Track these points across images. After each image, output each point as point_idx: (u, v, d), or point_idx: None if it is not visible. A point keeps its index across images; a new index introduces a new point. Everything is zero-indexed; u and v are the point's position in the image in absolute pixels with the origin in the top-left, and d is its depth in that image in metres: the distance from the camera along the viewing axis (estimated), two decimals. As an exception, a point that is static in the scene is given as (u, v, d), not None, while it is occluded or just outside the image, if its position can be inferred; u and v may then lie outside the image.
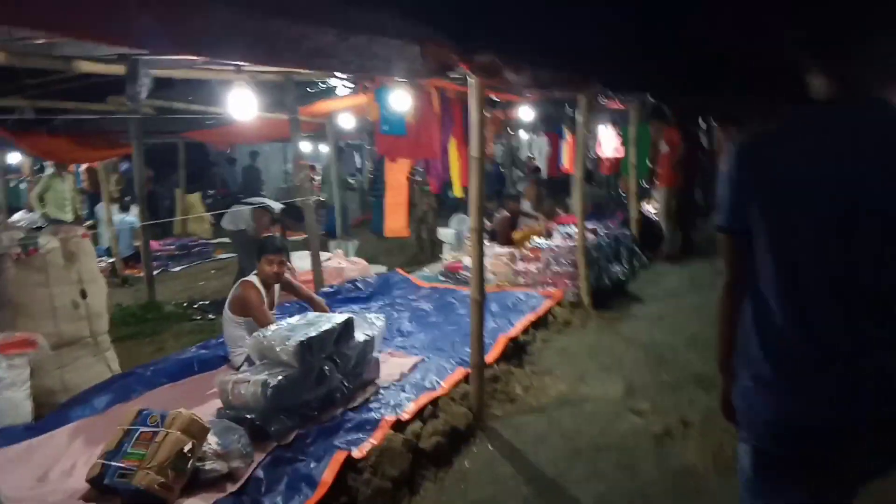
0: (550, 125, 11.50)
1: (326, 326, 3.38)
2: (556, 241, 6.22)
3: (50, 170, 8.91)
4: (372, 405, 3.47)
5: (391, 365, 4.10)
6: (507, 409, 3.90)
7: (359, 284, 6.08)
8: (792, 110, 1.48)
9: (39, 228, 10.54)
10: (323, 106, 7.54)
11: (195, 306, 6.71)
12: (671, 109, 8.33)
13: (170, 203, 13.64)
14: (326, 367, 3.34)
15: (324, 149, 16.95)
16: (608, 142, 11.39)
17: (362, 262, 6.96)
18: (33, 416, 3.54)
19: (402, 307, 5.64)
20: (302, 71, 5.05)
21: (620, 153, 11.12)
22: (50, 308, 3.80)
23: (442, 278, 6.55)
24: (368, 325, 3.82)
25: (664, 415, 3.76)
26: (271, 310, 4.14)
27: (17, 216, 11.91)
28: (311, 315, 3.60)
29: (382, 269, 7.39)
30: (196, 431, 2.64)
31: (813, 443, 1.43)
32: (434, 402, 3.60)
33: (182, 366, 4.04)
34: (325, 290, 5.77)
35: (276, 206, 6.96)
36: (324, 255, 7.48)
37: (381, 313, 4.99)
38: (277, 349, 3.18)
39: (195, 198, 12.71)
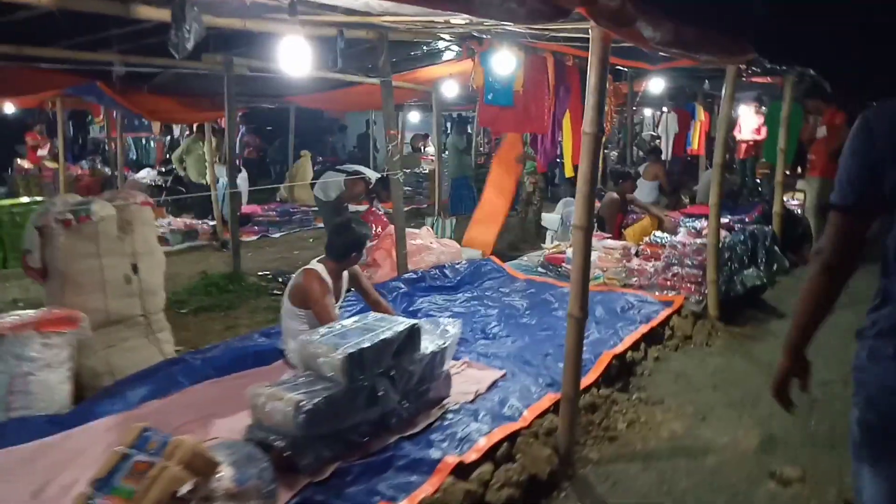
0: (681, 101, 10.16)
1: (386, 335, 2.72)
2: (681, 237, 5.20)
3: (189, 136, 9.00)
4: (434, 435, 2.79)
5: (466, 379, 3.40)
6: (604, 452, 3.09)
7: (446, 271, 5.40)
8: None
9: (160, 187, 10.89)
10: (426, 72, 6.86)
11: (280, 280, 6.34)
12: (836, 87, 6.88)
13: (281, 168, 13.67)
14: (381, 386, 2.69)
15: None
16: (747, 122, 9.93)
17: (454, 244, 6.27)
18: (73, 399, 3.19)
19: (492, 302, 4.91)
20: (395, 24, 4.36)
21: (761, 135, 9.68)
22: (100, 281, 3.43)
23: (541, 270, 5.74)
24: (440, 332, 3.13)
25: (818, 486, 2.80)
26: (337, 302, 3.57)
27: (142, 173, 12.38)
28: (372, 318, 2.96)
29: (476, 253, 6.67)
30: (201, 466, 2.08)
31: None
32: (512, 438, 2.87)
33: (235, 356, 3.56)
34: (408, 275, 5.15)
35: (373, 175, 6.42)
36: (413, 234, 6.92)
37: (459, 316, 4.33)
38: (320, 360, 2.57)
39: (307, 163, 12.56)
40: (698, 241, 5.01)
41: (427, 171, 12.79)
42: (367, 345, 2.61)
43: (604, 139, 6.95)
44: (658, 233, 5.48)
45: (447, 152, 10.77)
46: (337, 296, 3.54)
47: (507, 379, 3.46)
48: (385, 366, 2.72)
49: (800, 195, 9.52)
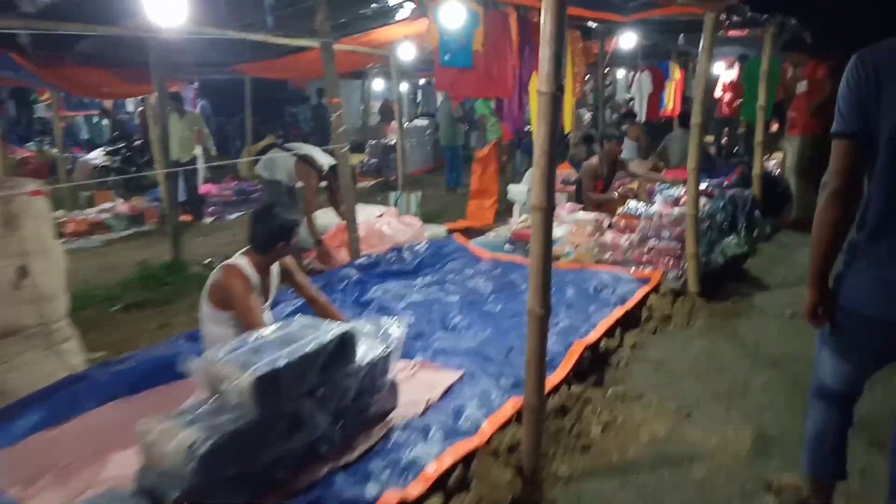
0: (654, 59, 9.65)
1: (309, 348, 2.23)
2: (658, 206, 4.75)
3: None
4: (374, 462, 2.34)
5: (418, 384, 2.95)
6: (576, 465, 2.66)
7: (404, 254, 4.90)
8: None
9: (108, 168, 10.15)
10: (379, 33, 6.25)
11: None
12: (818, 37, 6.44)
13: (241, 144, 12.93)
14: (306, 409, 2.22)
15: (403, 85, 15.78)
16: (724, 79, 9.46)
17: (416, 222, 5.77)
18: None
19: (453, 287, 4.44)
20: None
21: (737, 93, 9.22)
22: (-20, 288, 2.88)
23: (508, 247, 5.27)
24: (381, 335, 2.65)
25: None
26: (267, 301, 3.06)
27: (94, 154, 11.59)
28: (298, 324, 2.46)
29: (440, 230, 6.18)
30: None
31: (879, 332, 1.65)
32: (468, 459, 2.42)
33: (152, 368, 3.05)
34: (361, 261, 4.64)
35: (326, 160, 5.81)
36: (375, 212, 6.39)
37: (416, 305, 3.85)
38: (225, 385, 2.08)
39: (268, 139, 11.81)
40: (676, 210, 4.57)
41: (393, 143, 12.19)
42: (283, 363, 2.12)
43: (574, 102, 6.44)
44: (633, 202, 5.02)
45: (440, 121, 10.24)
46: (266, 293, 3.03)
47: (466, 381, 3.01)
48: (310, 385, 2.24)
49: (777, 155, 9.14)
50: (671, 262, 4.49)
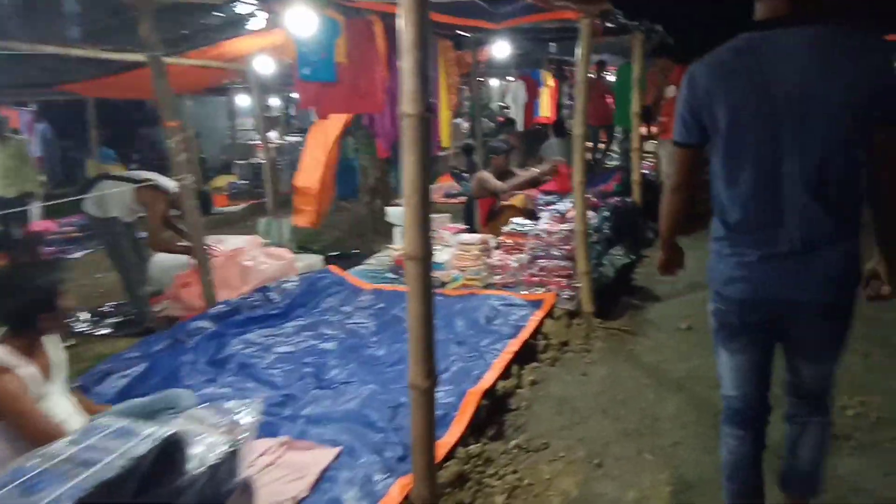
0: (525, 68, 9.58)
1: (116, 468, 1.61)
2: (545, 223, 4.46)
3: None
4: None
5: (283, 472, 2.38)
6: (481, 552, 2.21)
7: (272, 294, 4.28)
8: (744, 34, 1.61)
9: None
10: (230, 46, 5.56)
11: (73, 319, 4.86)
12: (681, 44, 6.51)
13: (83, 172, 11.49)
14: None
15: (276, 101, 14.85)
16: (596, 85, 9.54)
17: (286, 253, 5.13)
18: None
19: (330, 330, 3.89)
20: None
21: (603, 100, 9.33)
22: None
23: (390, 276, 4.79)
24: (227, 426, 2.06)
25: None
26: (52, 381, 2.32)
27: None
28: (102, 431, 1.81)
29: (315, 260, 5.58)
30: None
31: (743, 313, 1.77)
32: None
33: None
34: (218, 308, 3.96)
35: (170, 183, 5.03)
36: (240, 243, 5.67)
37: (287, 357, 3.28)
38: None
39: (113, 165, 10.49)
40: (563, 227, 4.29)
41: (265, 162, 11.33)
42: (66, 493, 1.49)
43: (450, 115, 6.08)
44: (518, 219, 4.71)
45: None
46: (47, 373, 2.29)
47: (343, 460, 2.48)
48: (119, 518, 1.62)
49: (650, 158, 9.36)
50: (564, 282, 4.20)
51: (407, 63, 1.68)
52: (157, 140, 12.27)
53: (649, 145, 9.29)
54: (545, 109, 9.84)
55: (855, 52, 1.53)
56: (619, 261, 5.08)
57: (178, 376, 3.27)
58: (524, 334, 3.64)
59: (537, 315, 3.91)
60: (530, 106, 9.36)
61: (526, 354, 3.58)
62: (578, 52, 3.83)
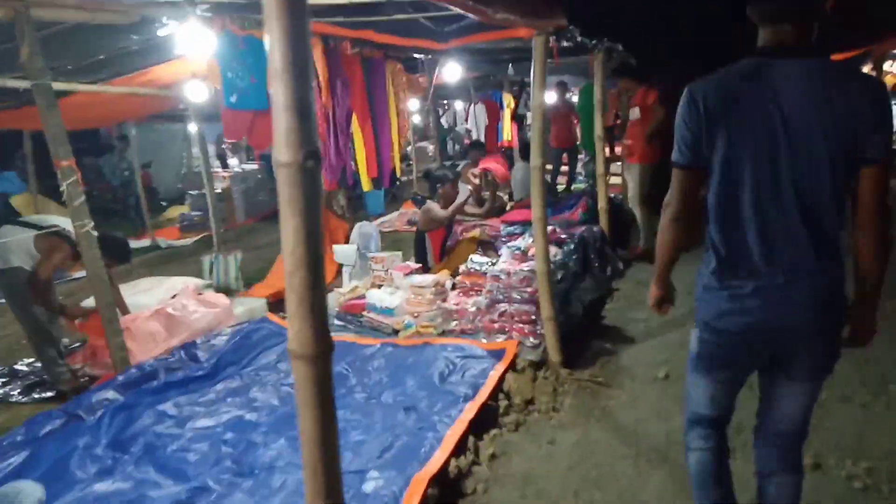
0: (487, 90, 9.20)
1: None
2: (504, 262, 3.99)
3: None
4: None
5: None
6: None
7: (197, 351, 3.72)
8: (749, 59, 1.60)
9: None
10: (155, 73, 5.04)
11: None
12: (643, 64, 6.18)
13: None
14: None
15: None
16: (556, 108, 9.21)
17: (220, 300, 4.56)
18: None
19: (261, 395, 3.34)
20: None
21: (565, 122, 9.00)
22: None
23: (338, 323, 4.26)
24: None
25: None
26: None
27: None
28: None
29: (260, 303, 5.02)
30: None
31: (735, 345, 1.75)
32: None
33: None
34: (130, 373, 3.38)
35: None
36: (177, 286, 5.11)
37: (207, 434, 2.72)
38: None
39: (44, 199, 9.52)
40: (525, 267, 3.83)
41: (221, 191, 10.73)
42: None
43: (401, 143, 5.62)
44: (476, 257, 4.23)
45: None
46: None
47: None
48: None
49: (615, 180, 9.01)
50: (527, 329, 3.73)
51: (279, 93, 1.20)
52: (103, 169, 11.56)
53: (616, 168, 8.99)
54: (507, 132, 9.47)
55: (858, 87, 1.54)
56: (588, 296, 4.64)
57: (66, 467, 2.69)
58: (483, 394, 3.15)
59: (499, 368, 3.43)
60: (492, 129, 8.96)
61: (486, 418, 3.09)
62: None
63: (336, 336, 3.97)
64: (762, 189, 1.60)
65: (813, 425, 1.89)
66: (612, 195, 7.55)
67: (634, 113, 5.90)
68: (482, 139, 8.81)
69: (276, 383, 3.49)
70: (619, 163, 9.34)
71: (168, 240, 9.57)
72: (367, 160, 5.31)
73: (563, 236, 4.86)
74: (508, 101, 9.41)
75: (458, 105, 14.87)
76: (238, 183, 10.93)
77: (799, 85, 1.55)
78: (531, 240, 4.01)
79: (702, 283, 1.77)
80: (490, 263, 4.13)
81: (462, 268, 4.20)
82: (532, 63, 3.39)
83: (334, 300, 4.33)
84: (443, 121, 17.54)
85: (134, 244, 9.38)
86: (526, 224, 5.45)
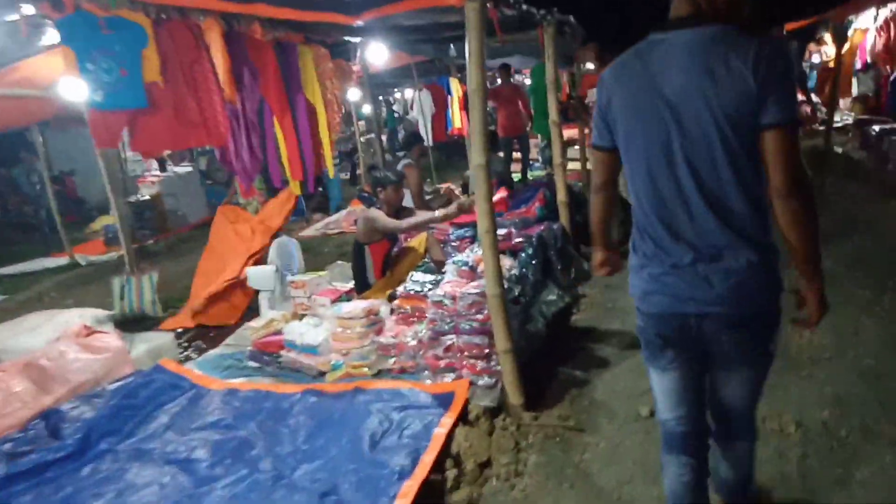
0: (432, 76, 8.40)
1: None
2: (449, 282, 3.23)
3: None
4: None
5: None
6: None
7: (63, 421, 2.88)
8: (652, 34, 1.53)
9: None
10: (22, 70, 4.10)
11: None
12: (595, 39, 5.48)
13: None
14: None
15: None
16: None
17: (112, 341, 3.69)
18: None
19: (146, 471, 2.54)
20: None
21: (512, 107, 8.26)
22: None
23: (252, 365, 3.46)
24: None
25: None
26: None
27: None
28: None
29: (164, 340, 4.16)
30: None
31: (661, 326, 1.67)
32: None
33: None
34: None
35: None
36: (71, 321, 4.22)
37: None
38: None
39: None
40: (474, 288, 3.08)
41: (149, 197, 9.67)
42: None
43: (332, 139, 4.79)
44: (417, 275, 3.47)
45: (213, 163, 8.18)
46: None
47: None
48: None
49: (573, 165, 8.34)
50: (479, 364, 3.00)
51: None
52: (19, 181, 10.35)
53: (574, 152, 8.30)
54: (457, 120, 8.71)
55: (742, 52, 1.41)
56: (552, 306, 3.95)
57: None
58: (424, 467, 2.41)
59: (445, 422, 2.70)
60: (440, 117, 8.17)
61: (429, 493, 2.35)
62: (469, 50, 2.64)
63: (248, 383, 3.20)
64: (656, 168, 1.55)
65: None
66: (572, 183, 6.94)
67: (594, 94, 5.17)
68: (429, 128, 8.01)
69: (165, 458, 2.69)
70: (576, 147, 8.71)
71: (90, 255, 8.55)
72: (290, 160, 4.50)
73: (519, 240, 4.14)
74: (456, 86, 8.64)
75: (408, 93, 14.01)
76: (170, 188, 9.90)
77: (681, 59, 1.47)
78: (477, 251, 3.27)
79: (629, 263, 1.73)
80: (433, 281, 3.37)
81: (400, 289, 3.44)
82: (467, 35, 2.64)
83: (247, 336, 3.51)
84: (395, 108, 16.63)
85: (48, 263, 8.42)
86: (476, 226, 4.72)
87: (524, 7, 3.37)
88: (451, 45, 5.40)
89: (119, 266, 8.17)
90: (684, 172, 1.50)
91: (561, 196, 5.01)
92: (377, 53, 4.63)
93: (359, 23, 3.27)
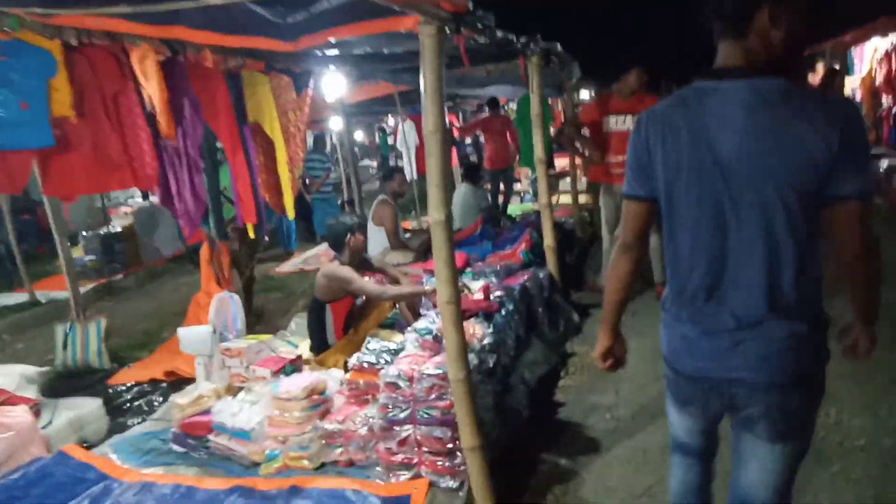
0: (416, 105, 7.92)
1: None
2: (406, 359, 2.67)
3: None
4: None
5: None
6: None
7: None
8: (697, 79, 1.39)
9: None
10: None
11: None
12: (588, 68, 5.01)
13: None
14: None
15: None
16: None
17: (21, 415, 3.10)
18: None
19: None
20: None
21: (499, 143, 7.82)
22: None
23: (176, 450, 2.88)
24: None
25: None
26: None
27: None
28: None
29: (91, 407, 3.57)
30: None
31: (690, 387, 1.54)
32: None
33: None
34: None
35: None
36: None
37: None
38: None
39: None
40: (435, 367, 2.51)
41: (121, 230, 9.11)
42: None
43: (293, 176, 4.29)
44: (374, 343, 2.92)
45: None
46: None
47: None
48: None
49: (564, 198, 7.84)
50: (441, 462, 2.43)
51: None
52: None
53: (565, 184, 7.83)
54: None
55: (812, 115, 1.26)
56: (535, 372, 3.42)
57: None
58: None
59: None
60: (424, 149, 7.67)
61: None
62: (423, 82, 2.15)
63: (168, 475, 2.63)
64: (703, 230, 1.40)
65: None
66: (563, 220, 6.42)
67: (622, 122, 4.63)
68: (413, 160, 7.51)
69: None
70: (565, 178, 8.22)
71: (53, 292, 7.95)
72: (243, 202, 3.99)
73: (498, 294, 3.59)
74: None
75: (392, 122, 13.58)
76: (144, 218, 9.34)
77: (737, 115, 1.31)
78: (435, 318, 2.72)
79: (663, 316, 1.58)
80: (395, 350, 2.82)
81: (353, 360, 2.88)
82: (421, 67, 2.15)
83: (172, 413, 2.94)
84: (389, 139, 16.23)
85: (6, 300, 7.81)
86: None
87: (499, 34, 2.87)
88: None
89: (85, 302, 7.65)
90: (735, 238, 1.37)
91: (548, 240, 4.48)
92: (331, 85, 4.13)
93: (300, 48, 2.77)
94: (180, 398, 2.85)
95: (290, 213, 4.35)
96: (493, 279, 3.97)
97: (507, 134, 7.40)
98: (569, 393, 3.46)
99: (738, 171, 1.32)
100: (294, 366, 2.98)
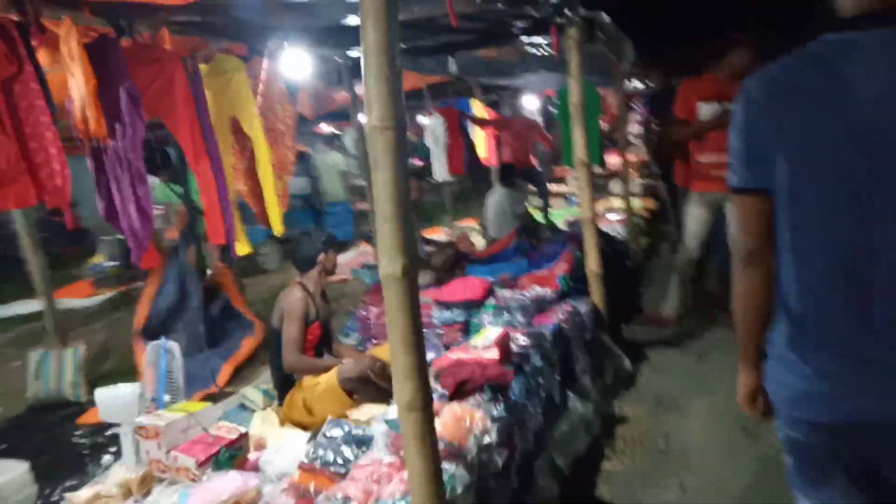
0: (447, 97, 7.01)
1: None
2: (370, 463, 1.77)
3: None
4: None
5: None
6: None
7: None
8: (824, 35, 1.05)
9: None
10: None
11: None
12: (647, 47, 3.97)
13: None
14: None
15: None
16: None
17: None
18: None
19: None
20: None
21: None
22: None
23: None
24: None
25: None
26: None
27: None
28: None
29: (18, 472, 2.85)
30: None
31: (837, 442, 1.13)
32: None
33: None
34: None
35: None
36: None
37: None
38: None
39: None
40: (404, 492, 1.61)
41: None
42: None
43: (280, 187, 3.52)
44: (334, 428, 2.03)
45: (321, 172, 7.72)
46: None
47: None
48: None
49: (616, 203, 6.77)
50: None
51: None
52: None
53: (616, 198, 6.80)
54: (486, 149, 7.29)
55: None
56: (569, 447, 2.50)
57: None
58: None
59: None
60: (456, 146, 6.74)
61: None
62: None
63: None
64: (843, 222, 1.05)
65: None
66: (615, 231, 5.38)
67: (714, 109, 3.62)
68: (443, 159, 6.63)
69: None
70: (614, 179, 7.16)
71: (73, 299, 7.47)
72: (208, 217, 3.20)
73: (524, 344, 2.65)
74: (479, 109, 7.25)
75: (423, 119, 12.68)
76: (168, 221, 8.82)
77: (889, 70, 0.99)
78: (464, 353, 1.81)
79: (772, 355, 1.20)
80: (362, 439, 1.94)
81: (305, 452, 2.00)
82: (361, 18, 1.25)
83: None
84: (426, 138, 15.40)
85: (22, 308, 7.37)
86: (471, 307, 3.26)
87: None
88: (450, 58, 4.02)
89: (102, 311, 7.10)
90: (892, 230, 1.00)
91: (592, 264, 3.48)
92: (291, 61, 3.25)
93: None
94: (75, 496, 2.05)
95: (277, 228, 3.55)
96: (520, 318, 3.03)
97: (528, 137, 6.62)
98: (615, 484, 2.49)
99: (894, 147, 1.00)
100: (231, 450, 2.13)
